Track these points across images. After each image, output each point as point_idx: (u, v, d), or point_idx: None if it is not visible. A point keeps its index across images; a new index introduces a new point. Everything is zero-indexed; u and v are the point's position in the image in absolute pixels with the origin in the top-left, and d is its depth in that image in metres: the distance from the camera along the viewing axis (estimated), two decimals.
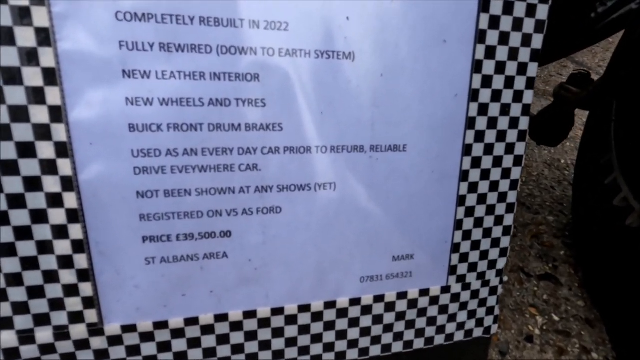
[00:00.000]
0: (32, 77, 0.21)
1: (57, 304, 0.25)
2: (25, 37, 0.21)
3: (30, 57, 0.21)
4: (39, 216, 0.23)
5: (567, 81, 0.48)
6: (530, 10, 0.28)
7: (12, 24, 0.20)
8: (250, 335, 0.29)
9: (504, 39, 0.28)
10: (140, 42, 0.22)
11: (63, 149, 0.22)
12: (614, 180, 0.42)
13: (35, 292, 0.24)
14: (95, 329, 0.26)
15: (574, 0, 0.36)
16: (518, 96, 0.30)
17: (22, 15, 0.20)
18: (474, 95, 0.28)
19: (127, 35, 0.22)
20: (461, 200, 0.31)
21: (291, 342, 0.30)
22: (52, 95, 0.21)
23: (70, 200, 0.23)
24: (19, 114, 0.21)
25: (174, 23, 0.22)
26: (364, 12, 0.25)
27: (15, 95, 0.21)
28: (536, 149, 0.83)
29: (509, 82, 0.29)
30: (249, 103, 0.24)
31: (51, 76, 0.21)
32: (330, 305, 0.30)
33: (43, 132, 0.22)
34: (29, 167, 0.22)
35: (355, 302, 0.30)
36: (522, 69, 0.29)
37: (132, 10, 0.22)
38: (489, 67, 0.28)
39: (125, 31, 0.22)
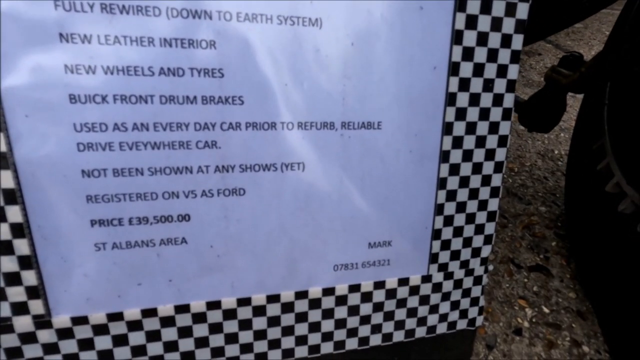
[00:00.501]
0: None
1: None
2: None
3: None
4: None
5: (559, 64, 0.46)
6: None
7: None
8: (215, 328, 0.27)
9: (486, 7, 0.26)
10: (78, 2, 0.20)
11: None
12: (606, 165, 0.40)
13: None
14: (42, 321, 0.24)
15: None
16: (502, 70, 0.28)
17: None
18: (454, 68, 0.26)
19: None
20: (442, 183, 0.29)
21: (260, 334, 0.28)
22: None
23: (6, 179, 0.21)
24: None
25: None
26: None
27: None
28: (529, 139, 0.81)
29: (492, 55, 0.27)
30: (204, 73, 0.22)
31: None
32: (301, 295, 0.28)
33: None
34: None
35: (328, 292, 0.28)
36: (506, 40, 0.27)
37: None
38: (470, 38, 0.26)
39: None
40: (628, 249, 0.37)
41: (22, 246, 0.22)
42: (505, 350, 0.39)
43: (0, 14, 0.19)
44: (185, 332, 0.26)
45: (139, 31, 0.21)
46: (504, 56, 0.27)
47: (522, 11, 0.27)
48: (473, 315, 0.33)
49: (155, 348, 0.26)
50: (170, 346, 0.26)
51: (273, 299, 0.27)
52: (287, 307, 0.28)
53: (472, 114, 0.28)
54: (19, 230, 0.22)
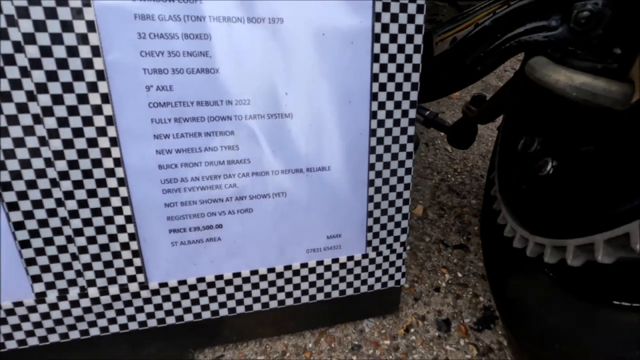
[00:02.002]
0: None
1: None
2: None
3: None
4: (106, 221, 0.40)
5: (470, 101, 0.65)
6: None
7: None
8: (238, 288, 0.46)
9: (385, 49, 0.44)
10: None
11: (114, 143, 0.39)
12: (495, 197, 0.59)
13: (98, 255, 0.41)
14: (144, 285, 0.43)
15: (448, 55, 0.52)
16: (406, 96, 0.46)
17: None
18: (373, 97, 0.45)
19: None
20: (370, 199, 0.47)
21: (264, 292, 0.47)
22: None
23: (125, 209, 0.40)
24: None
25: None
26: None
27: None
28: (476, 143, 1.00)
29: (399, 86, 0.45)
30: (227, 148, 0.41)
31: None
32: (287, 267, 0.47)
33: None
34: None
35: (304, 265, 0.48)
36: (406, 78, 0.45)
37: None
38: (382, 77, 0.44)
39: None
40: (496, 233, 0.56)
41: (133, 245, 0.41)
42: (426, 301, 0.59)
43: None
44: (220, 290, 0.46)
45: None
46: (407, 87, 0.44)
47: (416, 59, 0.44)
48: (398, 277, 0.53)
49: (204, 301, 0.45)
50: (213, 299, 0.46)
51: (271, 270, 0.47)
52: (279, 275, 0.47)
53: (388, 141, 0.46)
54: (133, 237, 0.41)
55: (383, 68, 0.42)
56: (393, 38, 0.41)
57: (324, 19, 0.39)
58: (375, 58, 0.42)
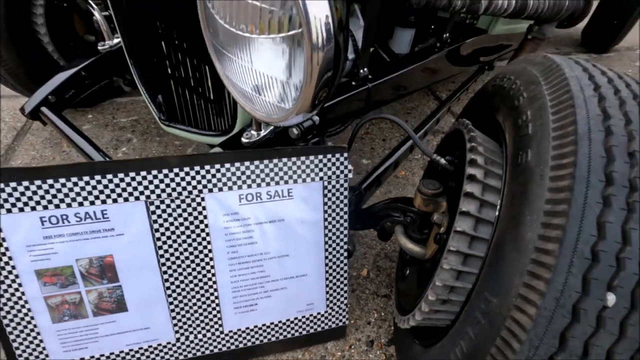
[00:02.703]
0: None
1: None
2: None
3: None
4: None
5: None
6: None
7: None
8: (255, 332, 0.97)
9: None
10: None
11: None
12: None
13: None
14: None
15: None
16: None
17: None
18: None
19: None
20: (326, 286, 0.98)
21: (274, 328, 0.98)
22: None
23: None
24: None
25: None
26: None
27: None
28: None
29: None
30: None
31: None
32: (287, 320, 0.98)
33: None
34: None
35: (295, 317, 0.99)
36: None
37: None
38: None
39: None
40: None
41: None
42: (362, 330, 1.10)
43: None
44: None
45: None
46: (341, 237, 0.97)
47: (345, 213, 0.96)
48: (344, 321, 1.03)
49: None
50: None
51: (280, 320, 0.98)
52: (284, 323, 0.98)
53: (333, 258, 0.97)
54: None
55: (327, 230, 0.93)
56: (332, 223, 0.92)
57: (302, 215, 0.90)
58: (325, 227, 0.93)
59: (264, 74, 0.71)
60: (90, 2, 1.22)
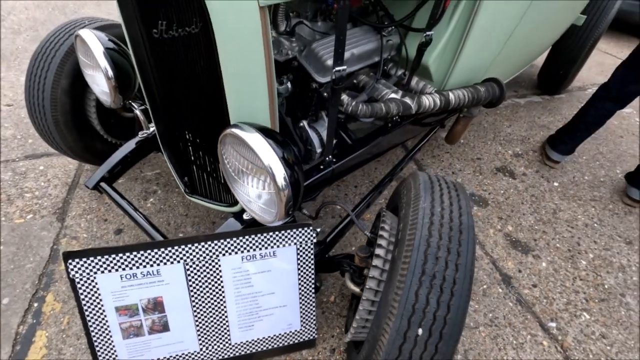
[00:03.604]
0: None
1: None
2: None
3: None
4: None
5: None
6: None
7: None
8: (254, 345, 1.44)
9: None
10: None
11: None
12: None
13: None
14: None
15: None
16: None
17: None
18: None
19: None
20: (300, 314, 1.45)
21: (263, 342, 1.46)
22: None
23: None
24: None
25: None
26: None
27: None
28: None
29: None
30: None
31: None
32: (270, 335, 1.45)
33: None
34: None
35: (278, 333, 1.46)
36: None
37: None
38: None
39: None
40: None
41: None
42: (328, 342, 1.57)
43: None
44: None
45: None
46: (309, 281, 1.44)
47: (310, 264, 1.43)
48: (314, 335, 1.50)
49: None
50: None
51: (265, 336, 1.45)
52: (273, 337, 1.45)
53: (305, 290, 1.44)
54: None
55: (300, 276, 1.40)
56: (303, 271, 1.39)
57: (282, 267, 1.37)
58: (298, 274, 1.40)
59: (253, 197, 1.19)
60: (132, 102, 1.71)
